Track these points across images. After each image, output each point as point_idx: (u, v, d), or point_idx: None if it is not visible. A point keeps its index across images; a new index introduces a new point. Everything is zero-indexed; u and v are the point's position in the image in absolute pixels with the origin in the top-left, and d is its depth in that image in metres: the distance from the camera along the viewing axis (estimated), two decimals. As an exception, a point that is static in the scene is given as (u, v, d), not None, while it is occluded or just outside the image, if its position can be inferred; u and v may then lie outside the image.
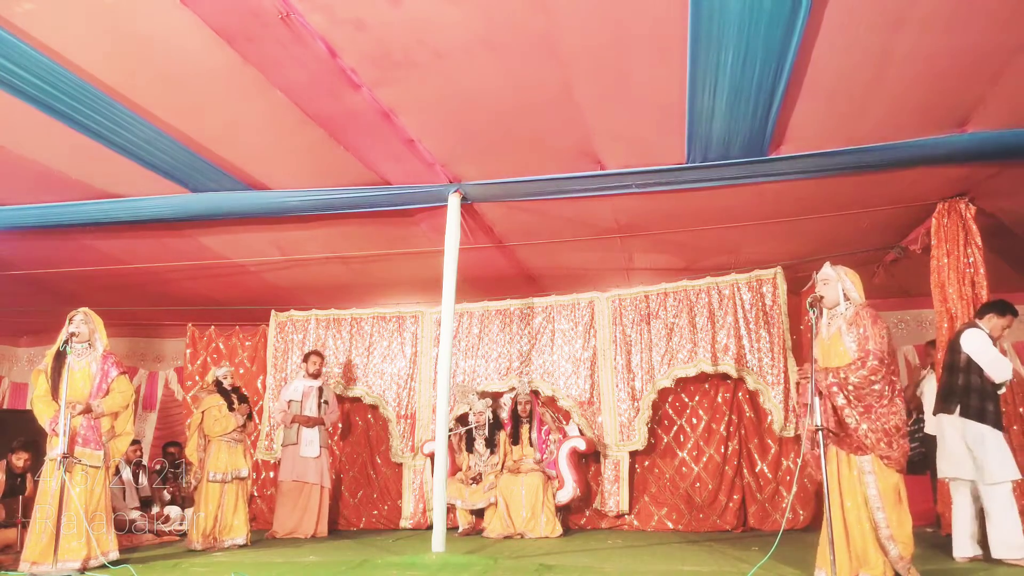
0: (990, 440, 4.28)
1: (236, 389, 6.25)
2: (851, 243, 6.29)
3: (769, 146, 4.48)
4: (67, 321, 4.92)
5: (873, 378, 3.67)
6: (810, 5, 3.19)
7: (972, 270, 5.10)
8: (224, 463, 5.90)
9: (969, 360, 4.43)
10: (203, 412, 6.01)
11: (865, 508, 3.69)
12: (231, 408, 6.04)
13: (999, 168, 4.82)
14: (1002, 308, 4.58)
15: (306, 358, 7.10)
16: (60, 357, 4.83)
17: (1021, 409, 5.08)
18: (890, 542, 3.63)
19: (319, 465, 6.75)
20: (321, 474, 6.75)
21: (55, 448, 4.61)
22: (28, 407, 5.13)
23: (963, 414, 4.35)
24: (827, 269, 4.03)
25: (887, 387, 3.70)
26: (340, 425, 7.78)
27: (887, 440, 3.65)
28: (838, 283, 3.95)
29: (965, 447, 4.33)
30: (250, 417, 6.27)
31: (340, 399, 7.79)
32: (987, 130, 4.31)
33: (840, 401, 3.72)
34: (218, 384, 6.18)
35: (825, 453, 3.68)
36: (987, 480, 4.23)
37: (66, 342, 4.79)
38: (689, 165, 4.72)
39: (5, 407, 9.25)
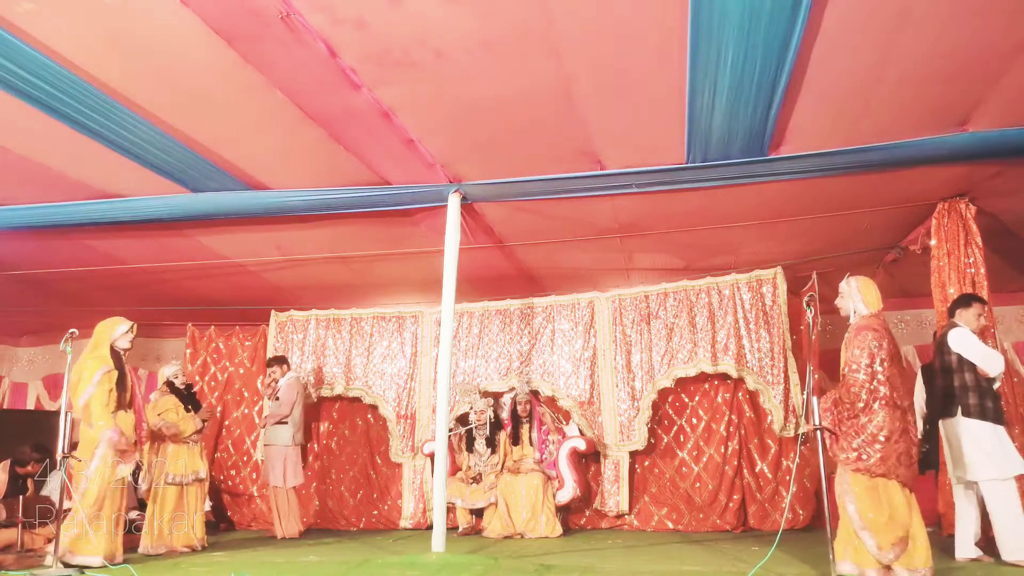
0: (993, 436, 4.28)
1: (189, 387, 6.04)
2: (851, 243, 6.29)
3: (769, 146, 4.49)
4: (118, 333, 5.19)
5: (854, 390, 3.87)
6: (810, 3, 3.19)
7: (972, 270, 5.10)
8: (183, 465, 5.71)
9: (960, 359, 4.45)
10: (160, 415, 5.74)
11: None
12: (187, 410, 5.84)
13: (999, 168, 4.82)
14: (967, 300, 4.70)
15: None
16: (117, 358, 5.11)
17: (1022, 409, 5.06)
18: (864, 532, 3.76)
19: (266, 466, 6.76)
20: (269, 473, 6.70)
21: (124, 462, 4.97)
22: (76, 404, 5.00)
23: (964, 414, 4.37)
24: (842, 283, 4.24)
25: (870, 398, 3.85)
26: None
27: (856, 453, 3.83)
28: (849, 298, 4.17)
29: (970, 448, 4.32)
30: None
31: (340, 399, 7.82)
32: (987, 130, 4.31)
33: (826, 423, 3.96)
34: (170, 385, 5.95)
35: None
36: (992, 476, 4.22)
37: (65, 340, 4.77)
38: (689, 165, 4.72)
39: (5, 407, 9.25)
